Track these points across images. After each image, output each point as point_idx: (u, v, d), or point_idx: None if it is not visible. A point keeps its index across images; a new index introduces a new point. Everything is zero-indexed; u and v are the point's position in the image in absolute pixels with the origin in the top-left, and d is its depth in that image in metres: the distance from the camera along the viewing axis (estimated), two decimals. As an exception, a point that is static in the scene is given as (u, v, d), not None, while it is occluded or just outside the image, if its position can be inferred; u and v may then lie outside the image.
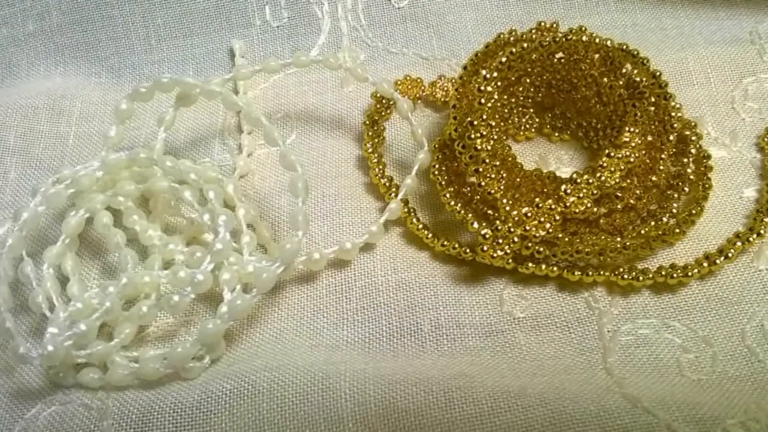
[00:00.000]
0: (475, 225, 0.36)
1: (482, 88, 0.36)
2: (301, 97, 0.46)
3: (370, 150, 0.41)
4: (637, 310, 0.35)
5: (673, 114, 0.37)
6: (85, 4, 0.47)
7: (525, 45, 0.38)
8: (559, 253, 0.35)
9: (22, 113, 0.44)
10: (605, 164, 0.35)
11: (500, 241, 0.34)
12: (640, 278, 0.35)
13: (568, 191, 0.35)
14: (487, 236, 0.34)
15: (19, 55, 0.48)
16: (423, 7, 0.48)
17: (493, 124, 0.36)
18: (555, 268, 0.36)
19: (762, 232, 0.37)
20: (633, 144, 0.36)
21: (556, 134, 0.43)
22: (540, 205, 0.35)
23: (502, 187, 0.36)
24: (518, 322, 0.35)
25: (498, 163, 0.36)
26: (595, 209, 0.36)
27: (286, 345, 0.35)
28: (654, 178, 0.37)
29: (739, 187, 0.40)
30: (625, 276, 0.35)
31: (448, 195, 0.37)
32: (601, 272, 0.36)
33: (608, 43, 0.38)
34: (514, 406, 0.30)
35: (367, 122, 0.43)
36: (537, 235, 0.34)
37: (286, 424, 0.30)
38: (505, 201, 0.35)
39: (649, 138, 0.37)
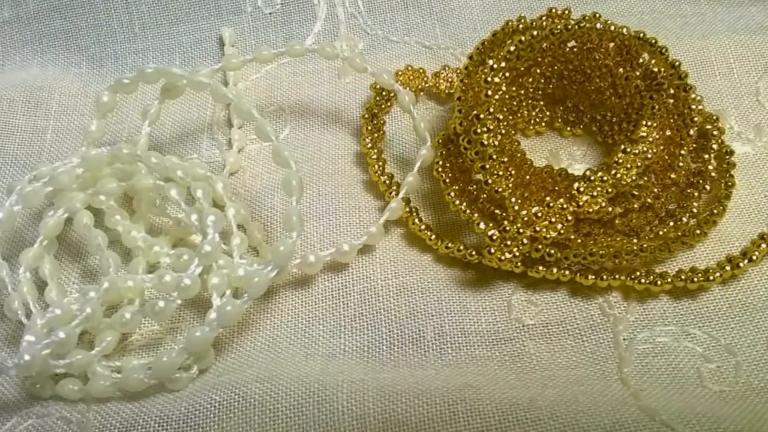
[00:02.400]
0: (482, 225, 0.36)
1: (489, 79, 0.36)
2: (296, 88, 0.46)
3: (370, 145, 0.41)
4: (655, 316, 0.35)
5: (693, 107, 0.37)
6: (64, -11, 0.47)
7: (535, 33, 0.38)
8: (572, 256, 0.35)
9: (-3, 106, 0.44)
10: (621, 161, 0.35)
11: (508, 242, 0.34)
12: (658, 282, 0.35)
13: (581, 189, 0.35)
14: (495, 237, 0.35)
15: (-6, 43, 0.48)
16: (426, -8, 0.48)
17: (501, 117, 0.36)
18: (567, 272, 0.36)
19: (788, 233, 0.37)
20: (650, 139, 0.36)
21: (569, 128, 0.43)
22: (551, 204, 0.35)
23: (510, 185, 0.36)
24: (528, 330, 0.35)
25: (506, 159, 0.36)
26: (610, 209, 0.36)
27: (280, 354, 0.35)
28: (673, 176, 0.37)
29: (764, 185, 0.40)
30: (642, 280, 0.36)
31: (452, 193, 0.37)
32: (617, 276, 0.36)
33: (624, 31, 0.38)
34: (523, 419, 0.30)
35: (366, 116, 0.43)
36: (548, 236, 0.34)
37: (279, 439, 0.30)
38: (513, 200, 0.35)
39: (668, 133, 0.37)
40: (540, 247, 0.35)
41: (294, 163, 0.35)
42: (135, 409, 0.32)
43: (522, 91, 0.42)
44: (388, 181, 0.40)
